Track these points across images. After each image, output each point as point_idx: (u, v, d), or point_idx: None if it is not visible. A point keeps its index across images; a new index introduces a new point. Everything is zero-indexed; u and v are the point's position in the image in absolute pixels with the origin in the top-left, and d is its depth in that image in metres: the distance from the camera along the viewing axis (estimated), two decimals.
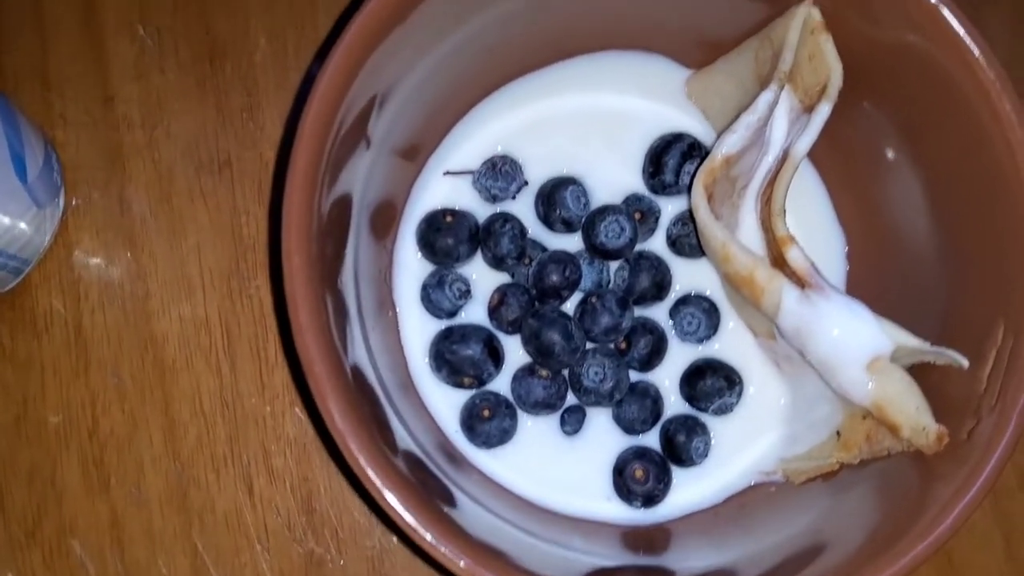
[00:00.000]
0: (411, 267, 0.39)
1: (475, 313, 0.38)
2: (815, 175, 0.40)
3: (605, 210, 0.38)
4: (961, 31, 0.31)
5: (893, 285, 0.37)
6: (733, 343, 0.39)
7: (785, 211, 0.34)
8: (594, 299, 0.37)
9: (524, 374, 0.37)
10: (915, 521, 0.30)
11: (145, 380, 0.40)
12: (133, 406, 0.40)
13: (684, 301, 0.39)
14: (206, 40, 0.43)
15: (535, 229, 0.39)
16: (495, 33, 0.36)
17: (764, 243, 0.35)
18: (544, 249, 0.38)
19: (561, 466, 0.38)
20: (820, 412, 0.36)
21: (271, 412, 0.40)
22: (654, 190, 0.39)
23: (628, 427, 0.38)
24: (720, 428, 0.38)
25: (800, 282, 0.33)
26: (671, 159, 0.38)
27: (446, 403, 0.38)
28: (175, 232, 0.41)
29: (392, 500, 0.28)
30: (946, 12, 0.31)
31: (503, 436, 0.37)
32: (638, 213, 0.39)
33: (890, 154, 0.36)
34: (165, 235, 0.41)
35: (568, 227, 0.38)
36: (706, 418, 0.38)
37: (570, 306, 0.38)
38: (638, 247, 0.39)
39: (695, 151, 0.38)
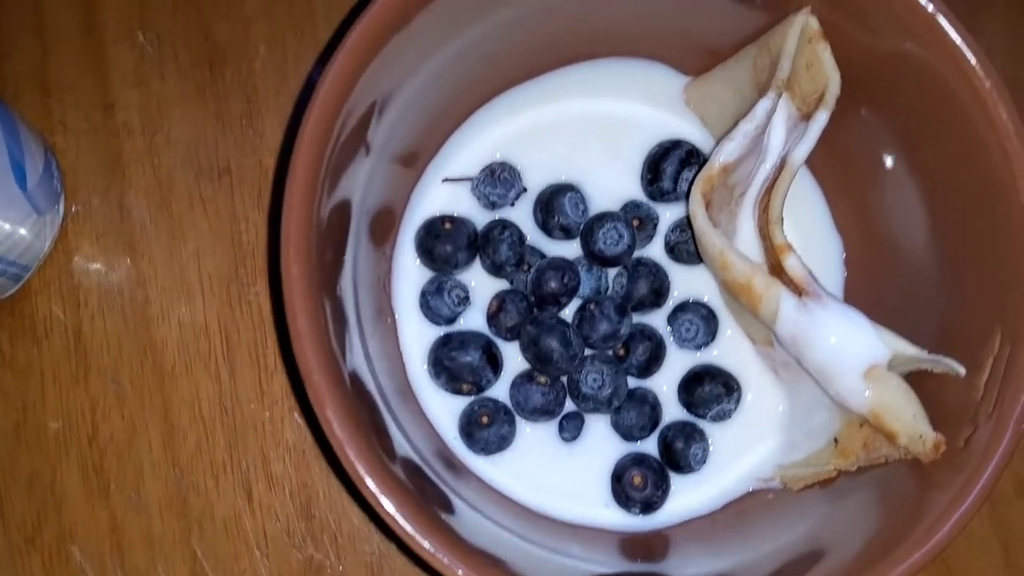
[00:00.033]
0: (410, 274, 0.39)
1: (474, 320, 0.38)
2: (813, 183, 0.40)
3: (603, 217, 0.38)
4: (958, 39, 0.31)
5: (890, 293, 0.37)
6: (731, 350, 0.39)
7: (783, 219, 0.34)
8: (592, 306, 0.37)
9: (523, 381, 0.37)
10: (912, 528, 0.30)
11: (145, 386, 0.40)
12: (133, 412, 0.40)
13: (682, 308, 0.39)
14: (206, 47, 0.43)
15: (534, 236, 0.39)
16: (494, 40, 0.36)
17: (762, 251, 0.35)
18: (543, 256, 0.38)
19: (559, 473, 0.38)
20: (818, 419, 0.36)
21: (270, 418, 0.40)
22: (652, 197, 0.39)
23: (626, 434, 0.38)
24: (718, 435, 0.38)
25: (798, 290, 0.33)
26: (669, 166, 0.38)
27: (445, 410, 0.38)
28: (175, 238, 0.41)
29: (390, 507, 0.28)
30: (943, 21, 0.31)
31: (501, 443, 0.37)
32: (636, 220, 0.39)
33: (887, 162, 0.36)
34: (165, 241, 0.41)
35: (567, 234, 0.38)
36: (704, 425, 0.38)
37: (568, 313, 0.38)
38: (636, 254, 0.39)
39: (693, 158, 0.39)
